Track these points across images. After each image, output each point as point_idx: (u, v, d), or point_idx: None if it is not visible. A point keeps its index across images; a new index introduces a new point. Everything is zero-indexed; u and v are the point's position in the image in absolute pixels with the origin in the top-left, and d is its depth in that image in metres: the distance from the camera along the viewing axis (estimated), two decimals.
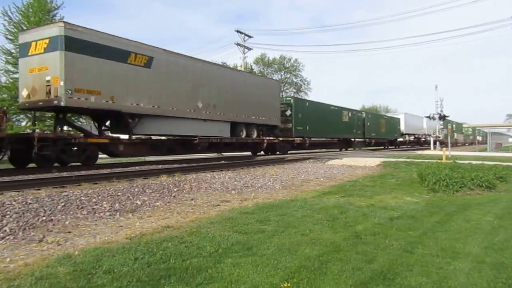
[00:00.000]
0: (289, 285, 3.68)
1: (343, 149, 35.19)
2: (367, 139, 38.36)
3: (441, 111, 40.27)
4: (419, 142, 54.43)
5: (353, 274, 4.02)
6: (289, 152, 26.19)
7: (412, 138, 53.09)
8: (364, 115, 38.31)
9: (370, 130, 38.14)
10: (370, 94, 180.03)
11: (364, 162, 18.42)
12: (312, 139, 28.95)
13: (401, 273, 4.08)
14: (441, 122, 41.17)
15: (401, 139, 49.04)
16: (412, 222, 6.55)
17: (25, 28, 26.82)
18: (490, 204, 8.36)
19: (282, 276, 3.92)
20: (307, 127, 27.67)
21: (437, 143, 40.66)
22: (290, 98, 27.98)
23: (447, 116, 42.36)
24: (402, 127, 47.14)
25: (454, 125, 57.31)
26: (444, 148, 21.47)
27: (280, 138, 25.07)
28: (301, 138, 27.36)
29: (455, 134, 56.81)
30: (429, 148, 39.90)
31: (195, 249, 4.74)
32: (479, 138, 75.75)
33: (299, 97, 51.71)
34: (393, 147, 46.05)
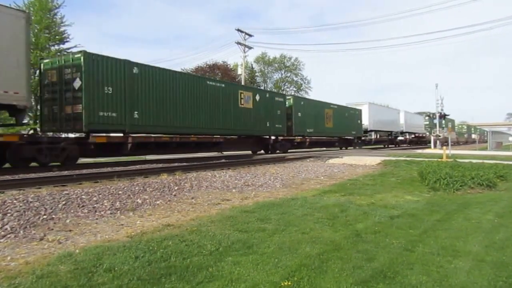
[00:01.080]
0: (289, 283, 3.68)
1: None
2: (298, 136, 27.41)
3: (442, 110, 40.24)
4: (394, 141, 44.74)
5: (354, 272, 4.02)
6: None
7: (383, 136, 43.16)
8: (292, 101, 26.92)
9: (304, 124, 27.60)
10: (371, 93, 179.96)
11: (364, 161, 18.42)
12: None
13: (401, 272, 4.08)
14: (427, 119, 41.66)
15: (366, 137, 39.72)
16: (413, 220, 6.55)
17: None
18: (490, 203, 8.36)
19: (283, 274, 3.92)
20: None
21: (437, 142, 40.60)
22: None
23: (448, 115, 42.36)
24: (366, 122, 37.46)
25: (443, 122, 55.60)
26: (444, 147, 21.44)
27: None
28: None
29: (444, 132, 55.06)
30: (429, 147, 39.89)
31: (195, 247, 4.75)
32: (474, 136, 72.92)
33: (299, 95, 51.41)
34: (351, 147, 35.64)
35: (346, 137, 35.15)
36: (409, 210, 7.48)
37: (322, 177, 13.11)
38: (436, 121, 40.83)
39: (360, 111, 37.73)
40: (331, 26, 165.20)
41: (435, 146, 39.23)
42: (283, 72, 63.59)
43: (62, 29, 28.50)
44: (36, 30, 26.75)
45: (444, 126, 54.25)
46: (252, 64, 58.77)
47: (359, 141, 37.78)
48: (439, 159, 17.25)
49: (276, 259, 4.36)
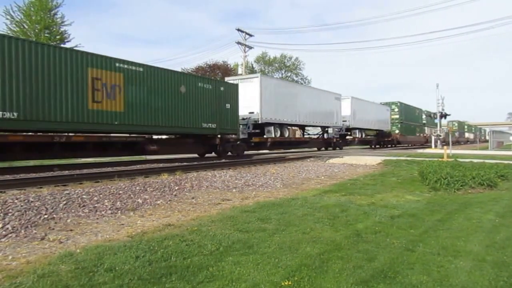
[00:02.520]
0: (290, 283, 3.68)
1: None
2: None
3: (442, 109, 40.24)
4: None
5: (354, 272, 4.02)
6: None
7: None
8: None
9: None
10: (372, 92, 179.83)
11: (365, 161, 18.42)
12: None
13: (402, 272, 4.08)
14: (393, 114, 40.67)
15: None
16: (413, 220, 6.54)
17: (26, 27, 26.92)
18: (491, 203, 8.35)
19: (283, 274, 3.92)
20: None
21: (438, 141, 40.54)
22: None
23: (449, 115, 42.30)
24: (256, 111, 22.18)
25: (423, 117, 51.49)
26: (445, 147, 21.44)
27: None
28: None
29: (429, 129, 50.00)
30: (429, 147, 39.87)
31: (196, 247, 4.75)
32: (468, 135, 69.32)
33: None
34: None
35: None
36: (409, 210, 7.47)
37: (322, 177, 13.11)
38: (437, 120, 40.77)
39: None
40: (331, 26, 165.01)
41: (435, 145, 39.22)
42: (283, 72, 63.59)
43: (62, 29, 28.59)
44: (36, 30, 26.82)
45: (425, 122, 52.45)
46: (252, 64, 58.78)
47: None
48: (440, 159, 17.24)
49: (276, 259, 4.36)
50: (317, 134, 32.11)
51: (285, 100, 24.46)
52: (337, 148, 31.32)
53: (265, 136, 23.44)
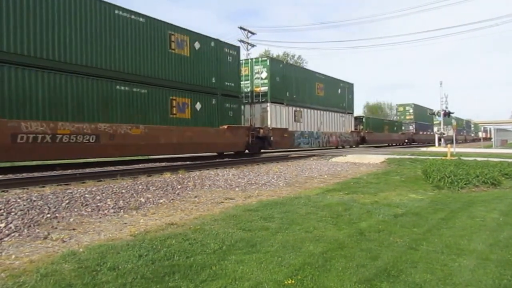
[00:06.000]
0: (293, 282, 3.67)
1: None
2: None
3: (446, 107, 40.11)
4: None
5: (357, 271, 4.01)
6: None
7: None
8: None
9: None
10: (374, 91, 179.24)
11: (368, 159, 18.38)
12: None
13: (405, 270, 4.06)
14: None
15: None
16: (417, 219, 6.52)
17: None
18: (495, 201, 8.31)
19: (286, 273, 3.91)
20: None
21: (442, 140, 40.40)
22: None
23: (452, 113, 42.19)
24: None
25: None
26: (449, 145, 21.37)
27: None
28: None
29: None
30: (433, 145, 39.74)
31: (199, 246, 4.75)
32: (463, 133, 69.36)
33: None
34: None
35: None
36: (413, 208, 7.45)
37: (325, 176, 13.08)
38: (441, 118, 40.65)
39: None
40: (334, 24, 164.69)
41: (439, 144, 39.09)
42: None
43: None
44: None
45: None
46: None
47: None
48: (444, 157, 17.18)
49: (279, 258, 4.35)
50: None
51: None
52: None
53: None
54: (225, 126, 19.03)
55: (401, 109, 53.76)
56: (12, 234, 5.32)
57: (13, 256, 4.43)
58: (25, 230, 5.51)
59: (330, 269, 4.04)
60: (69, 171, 12.19)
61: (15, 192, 7.79)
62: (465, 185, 10.20)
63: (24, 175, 11.03)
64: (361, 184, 10.89)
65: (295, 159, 19.06)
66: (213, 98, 18.49)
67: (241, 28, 41.33)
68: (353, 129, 35.37)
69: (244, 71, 23.12)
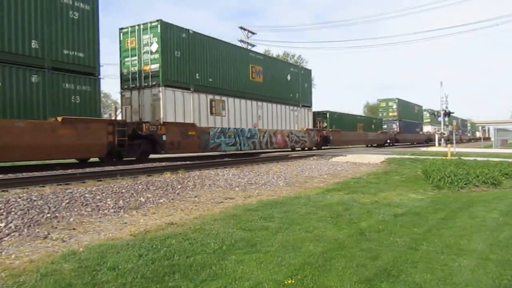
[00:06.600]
0: (293, 281, 3.67)
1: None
2: None
3: (446, 107, 40.12)
4: None
5: (357, 270, 4.01)
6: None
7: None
8: None
9: None
10: (375, 90, 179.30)
11: (368, 159, 18.38)
12: None
13: (405, 270, 4.06)
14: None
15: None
16: (417, 219, 6.52)
17: None
18: (495, 201, 8.31)
19: (286, 272, 3.91)
20: None
21: (442, 139, 40.41)
22: None
23: (452, 113, 42.20)
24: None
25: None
26: (449, 145, 21.36)
27: None
28: None
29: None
30: (433, 145, 39.75)
31: (199, 246, 4.75)
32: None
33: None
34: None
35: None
36: (413, 208, 7.44)
37: (325, 176, 13.08)
38: (441, 118, 40.65)
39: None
40: (334, 24, 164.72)
41: (439, 143, 39.10)
42: None
43: None
44: None
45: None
46: None
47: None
48: (444, 157, 17.18)
49: (279, 258, 4.35)
50: None
51: None
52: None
53: None
54: (59, 118, 12.41)
55: (383, 104, 46.25)
56: (12, 234, 5.32)
57: (13, 256, 4.43)
58: (25, 230, 5.51)
59: (330, 269, 4.04)
60: (69, 170, 12.19)
61: (15, 191, 7.79)
62: (465, 185, 10.20)
63: (24, 174, 11.03)
64: (361, 184, 10.89)
65: (295, 159, 19.09)
66: (33, 73, 12.03)
67: (241, 28, 41.34)
68: (310, 127, 28.89)
69: (130, 42, 17.58)
